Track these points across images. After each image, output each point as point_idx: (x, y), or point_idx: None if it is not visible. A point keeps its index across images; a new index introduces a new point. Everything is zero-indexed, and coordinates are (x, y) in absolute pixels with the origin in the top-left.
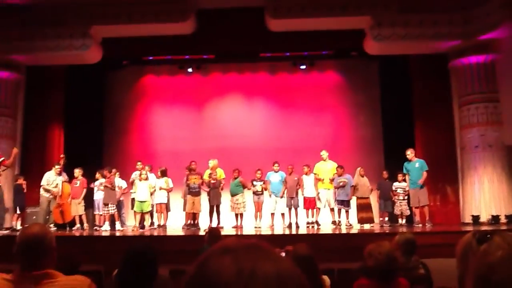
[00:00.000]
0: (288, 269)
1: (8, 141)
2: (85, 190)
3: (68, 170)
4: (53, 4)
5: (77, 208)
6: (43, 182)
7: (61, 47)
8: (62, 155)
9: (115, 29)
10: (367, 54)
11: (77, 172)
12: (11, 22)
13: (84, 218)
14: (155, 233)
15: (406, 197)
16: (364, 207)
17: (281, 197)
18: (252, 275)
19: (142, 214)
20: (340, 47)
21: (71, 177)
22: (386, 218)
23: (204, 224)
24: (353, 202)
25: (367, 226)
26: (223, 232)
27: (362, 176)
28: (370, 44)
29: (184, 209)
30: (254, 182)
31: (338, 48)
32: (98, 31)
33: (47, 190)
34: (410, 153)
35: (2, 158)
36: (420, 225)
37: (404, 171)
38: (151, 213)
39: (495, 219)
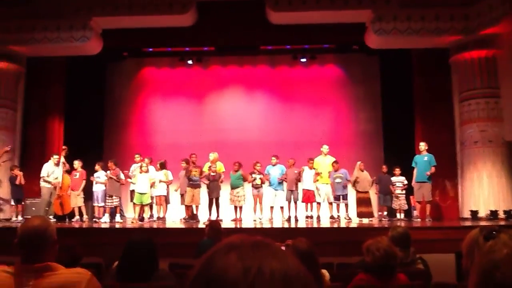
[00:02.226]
0: (294, 267)
1: (8, 133)
2: (84, 182)
3: (68, 161)
4: None
5: (76, 200)
6: (43, 173)
7: (61, 39)
8: (64, 147)
9: (115, 21)
10: (368, 48)
11: (77, 163)
12: (12, 13)
13: (83, 209)
14: (155, 226)
15: (404, 191)
16: (363, 202)
17: (280, 180)
18: (259, 273)
19: (142, 206)
20: (341, 41)
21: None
22: (385, 213)
23: (203, 217)
24: (353, 197)
25: (366, 221)
26: (222, 225)
27: (362, 171)
28: (371, 38)
29: (183, 202)
30: (253, 175)
31: (339, 42)
32: (98, 23)
33: (47, 181)
34: (423, 145)
35: None
36: (419, 219)
37: (413, 164)
38: (150, 206)
39: (493, 214)
